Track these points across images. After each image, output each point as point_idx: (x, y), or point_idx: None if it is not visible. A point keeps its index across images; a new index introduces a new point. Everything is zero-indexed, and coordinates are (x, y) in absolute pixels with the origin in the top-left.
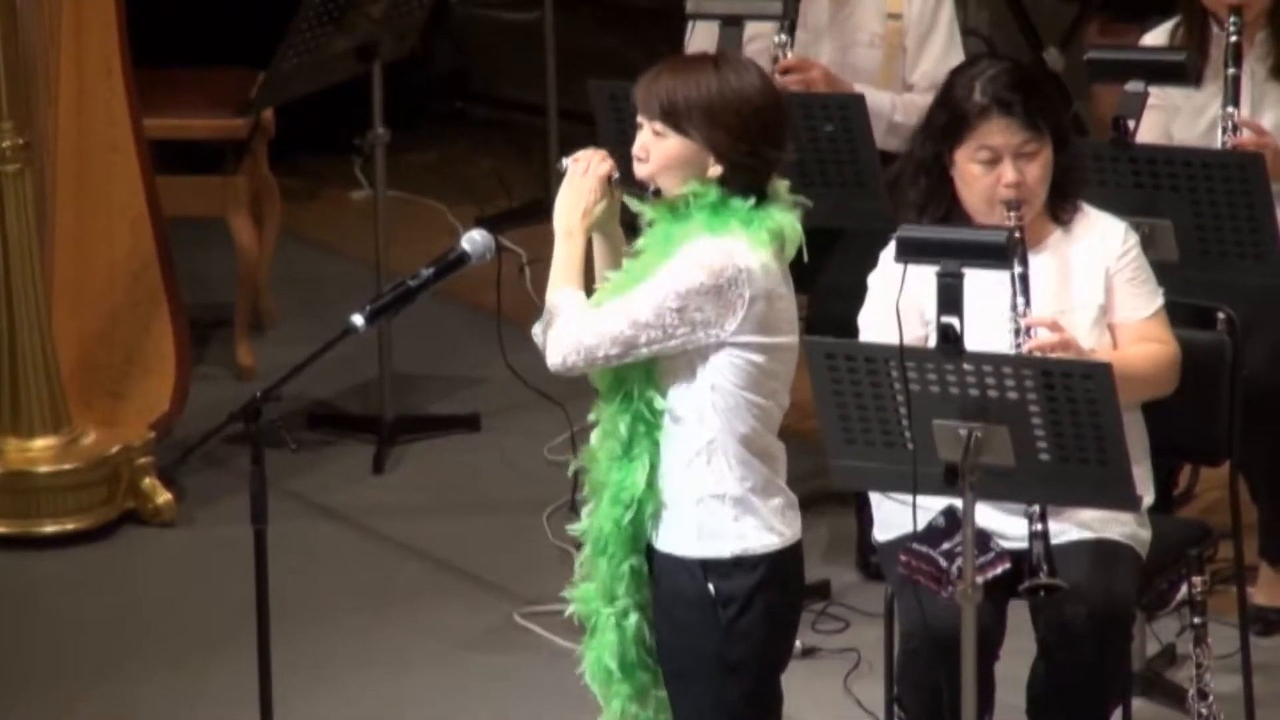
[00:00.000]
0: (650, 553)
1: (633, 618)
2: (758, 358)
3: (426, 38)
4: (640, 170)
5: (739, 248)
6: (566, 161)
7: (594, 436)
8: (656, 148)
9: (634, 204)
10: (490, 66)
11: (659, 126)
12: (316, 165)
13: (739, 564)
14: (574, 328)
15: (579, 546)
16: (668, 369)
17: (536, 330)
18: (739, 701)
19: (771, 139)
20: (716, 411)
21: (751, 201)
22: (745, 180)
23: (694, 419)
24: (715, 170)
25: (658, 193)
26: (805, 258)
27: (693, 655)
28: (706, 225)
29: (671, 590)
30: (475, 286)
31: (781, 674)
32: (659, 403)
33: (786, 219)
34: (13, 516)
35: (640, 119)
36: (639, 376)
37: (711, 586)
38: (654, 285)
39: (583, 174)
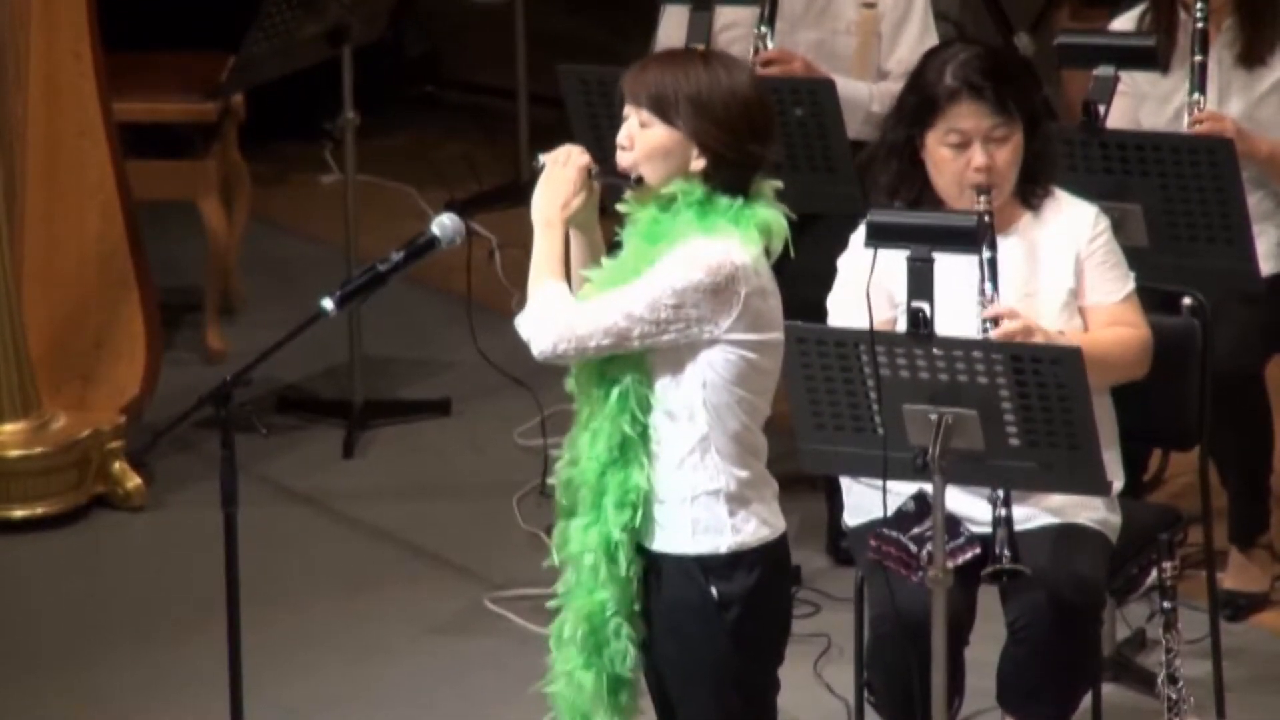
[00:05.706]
0: (640, 554)
1: (641, 625)
2: (750, 354)
3: (396, 22)
4: (623, 159)
5: (734, 245)
6: (543, 157)
7: (579, 441)
8: (641, 136)
9: (623, 206)
10: (460, 51)
11: (645, 115)
12: (287, 149)
13: (736, 560)
14: (565, 316)
15: (565, 556)
16: (660, 366)
17: (521, 321)
18: (742, 701)
19: (757, 136)
20: (708, 408)
21: (739, 201)
22: (728, 176)
23: (686, 416)
24: (699, 164)
25: (640, 180)
26: (792, 253)
27: (697, 664)
28: (696, 222)
29: (673, 599)
30: (446, 271)
31: (780, 666)
32: (653, 400)
33: (772, 215)
34: None
35: (627, 108)
36: (633, 375)
37: (714, 590)
38: (651, 281)
39: (562, 165)
